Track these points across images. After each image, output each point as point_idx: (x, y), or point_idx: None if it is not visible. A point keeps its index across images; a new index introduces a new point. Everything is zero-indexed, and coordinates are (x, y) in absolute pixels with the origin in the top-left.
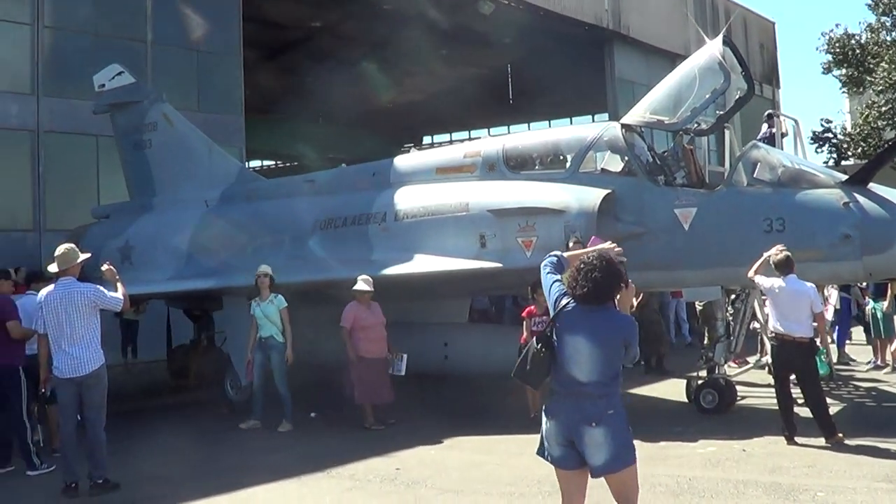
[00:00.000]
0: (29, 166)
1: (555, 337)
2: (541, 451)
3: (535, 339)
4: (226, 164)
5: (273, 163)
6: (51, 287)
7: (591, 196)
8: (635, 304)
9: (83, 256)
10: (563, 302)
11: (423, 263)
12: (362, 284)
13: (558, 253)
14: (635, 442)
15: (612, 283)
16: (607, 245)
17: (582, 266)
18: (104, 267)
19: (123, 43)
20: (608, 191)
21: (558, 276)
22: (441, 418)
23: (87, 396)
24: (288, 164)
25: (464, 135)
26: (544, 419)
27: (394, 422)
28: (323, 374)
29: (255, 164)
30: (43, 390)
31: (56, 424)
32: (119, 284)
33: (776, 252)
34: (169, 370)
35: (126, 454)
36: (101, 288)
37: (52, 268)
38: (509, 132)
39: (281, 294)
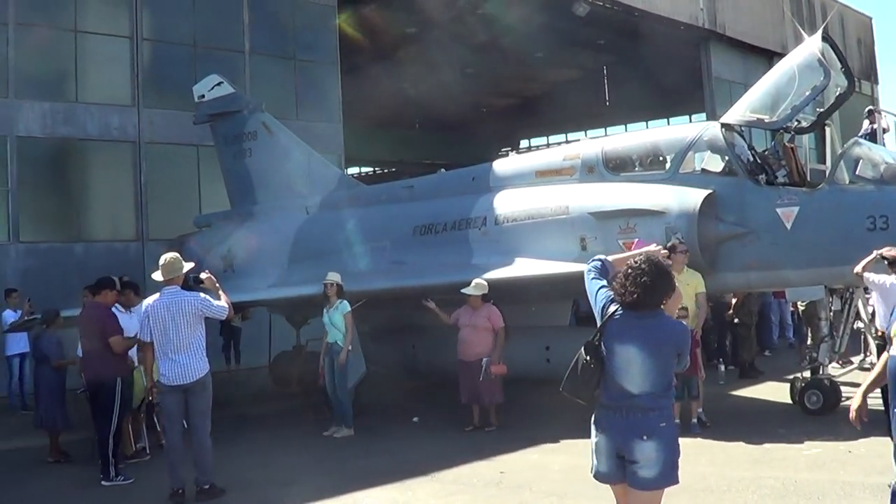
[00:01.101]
0: (131, 177)
1: (603, 347)
2: (593, 471)
3: (582, 349)
4: (325, 172)
5: (371, 169)
6: (156, 296)
7: (692, 197)
8: (732, 303)
9: (187, 265)
10: (612, 309)
11: (523, 267)
12: (470, 287)
13: (602, 257)
14: (739, 444)
15: (663, 288)
16: (653, 248)
17: (630, 271)
18: (203, 276)
19: (221, 54)
20: (709, 191)
21: (604, 282)
22: (544, 422)
23: (193, 403)
24: (386, 171)
25: (560, 137)
26: (593, 433)
27: (492, 428)
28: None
29: (354, 170)
30: (150, 398)
31: (136, 431)
32: (221, 293)
33: (888, 249)
34: (271, 376)
35: (231, 460)
36: (207, 297)
37: (157, 276)
38: (606, 134)
39: (346, 300)
